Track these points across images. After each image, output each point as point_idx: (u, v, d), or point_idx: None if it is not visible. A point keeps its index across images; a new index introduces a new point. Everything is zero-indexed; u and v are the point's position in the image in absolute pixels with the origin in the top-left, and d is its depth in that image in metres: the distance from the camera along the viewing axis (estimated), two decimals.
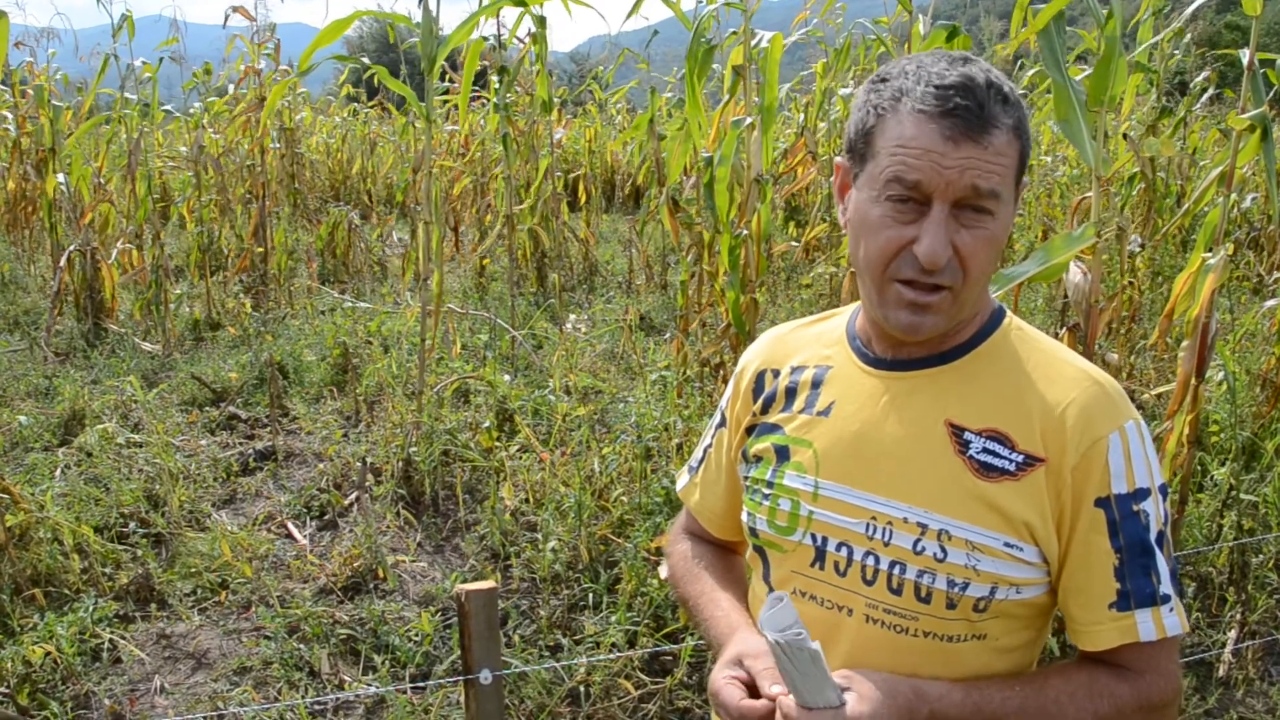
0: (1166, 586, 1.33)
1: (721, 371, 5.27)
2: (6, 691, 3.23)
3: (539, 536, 4.12)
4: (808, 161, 8.62)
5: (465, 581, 4.01)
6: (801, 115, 9.92)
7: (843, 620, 1.40)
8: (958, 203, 1.28)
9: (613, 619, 3.59)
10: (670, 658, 3.55)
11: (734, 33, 5.08)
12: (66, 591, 3.94)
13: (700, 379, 5.34)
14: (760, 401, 1.56)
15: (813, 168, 8.34)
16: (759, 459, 1.52)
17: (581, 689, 3.38)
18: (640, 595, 3.69)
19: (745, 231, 4.78)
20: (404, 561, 4.23)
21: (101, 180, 9.04)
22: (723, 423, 1.66)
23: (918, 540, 1.34)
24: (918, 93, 1.28)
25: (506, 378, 5.58)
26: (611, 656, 3.43)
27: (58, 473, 4.87)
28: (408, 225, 11.37)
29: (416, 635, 3.65)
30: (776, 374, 1.55)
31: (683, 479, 1.77)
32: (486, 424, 4.76)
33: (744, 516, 1.55)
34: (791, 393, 1.51)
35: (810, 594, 1.43)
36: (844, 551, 1.40)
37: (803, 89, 10.26)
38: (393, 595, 4.01)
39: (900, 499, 1.36)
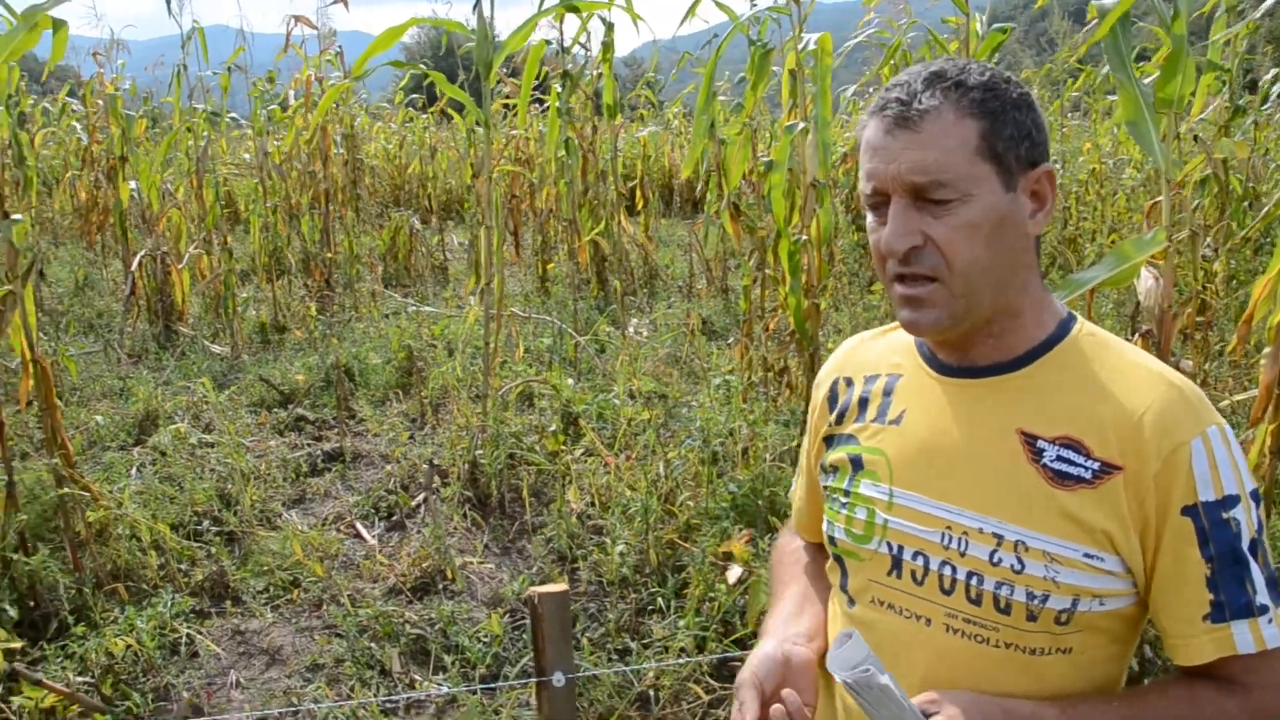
0: (1264, 596, 1.28)
1: (786, 377, 5.26)
2: (91, 681, 3.31)
3: (606, 540, 4.15)
4: None
5: (533, 584, 4.05)
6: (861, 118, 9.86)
7: (922, 629, 1.39)
8: (915, 194, 1.30)
9: (680, 623, 3.60)
10: (739, 663, 3.55)
11: (791, 36, 5.08)
12: (145, 587, 4.04)
13: (765, 384, 5.34)
14: (835, 412, 1.57)
15: None
16: (835, 469, 1.53)
17: (651, 693, 3.39)
18: (708, 600, 3.69)
19: (805, 237, 4.78)
20: (471, 563, 4.28)
21: (170, 188, 9.25)
22: (805, 431, 1.69)
23: (994, 551, 1.32)
24: (874, 102, 1.36)
25: (570, 381, 5.61)
26: (680, 661, 3.44)
27: (133, 471, 4.99)
28: (467, 230, 11.48)
29: (485, 636, 3.69)
30: (850, 384, 1.56)
31: (794, 484, 1.81)
32: (553, 428, 4.80)
33: (824, 525, 1.56)
34: (865, 403, 1.52)
35: (888, 603, 1.43)
36: (920, 560, 1.39)
37: (864, 92, 10.20)
38: (461, 596, 4.05)
39: (974, 509, 1.35)
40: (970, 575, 1.34)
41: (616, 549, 3.97)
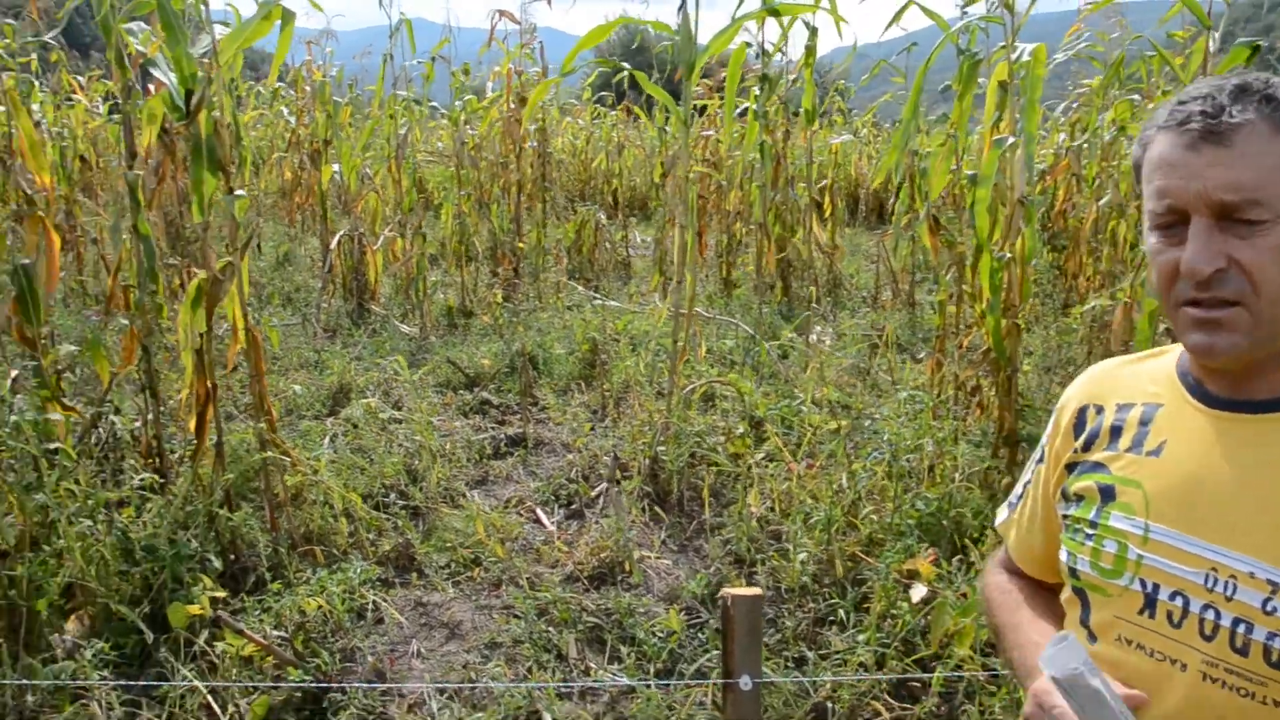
0: None
1: (977, 396, 5.10)
2: (285, 636, 3.46)
3: (786, 546, 4.10)
4: (1070, 184, 8.25)
5: (710, 584, 4.04)
6: (1063, 135, 9.51)
7: (1175, 674, 1.30)
8: (1222, 213, 1.22)
9: (860, 638, 3.52)
10: (919, 684, 3.46)
11: (1002, 46, 4.91)
12: (335, 551, 4.20)
13: (955, 402, 5.19)
14: (1082, 439, 1.48)
15: (1076, 191, 7.97)
16: (1080, 498, 1.44)
17: (828, 705, 3.33)
18: (890, 617, 3.60)
19: (1009, 255, 4.62)
20: (649, 557, 4.29)
21: (369, 172, 9.64)
22: (1042, 458, 1.59)
23: (1268, 599, 1.22)
24: (1164, 114, 1.28)
25: (752, 385, 5.58)
26: (859, 677, 3.36)
27: (327, 440, 5.20)
28: (652, 227, 11.58)
29: (662, 631, 3.69)
30: (1100, 410, 1.47)
31: (1002, 514, 1.71)
32: (740, 430, 4.78)
33: (1063, 556, 1.47)
34: (1117, 431, 1.43)
35: (1137, 642, 1.34)
36: (1179, 601, 1.29)
37: (1068, 109, 9.82)
38: (638, 590, 4.07)
39: (1246, 551, 1.24)
40: (1237, 622, 1.24)
41: (799, 556, 3.91)
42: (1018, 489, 1.67)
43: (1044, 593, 1.64)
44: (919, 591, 3.58)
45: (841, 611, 3.73)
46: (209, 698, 3.04)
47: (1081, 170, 8.13)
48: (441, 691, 3.36)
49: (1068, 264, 8.32)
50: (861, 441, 4.83)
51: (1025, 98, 4.51)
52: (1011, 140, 4.62)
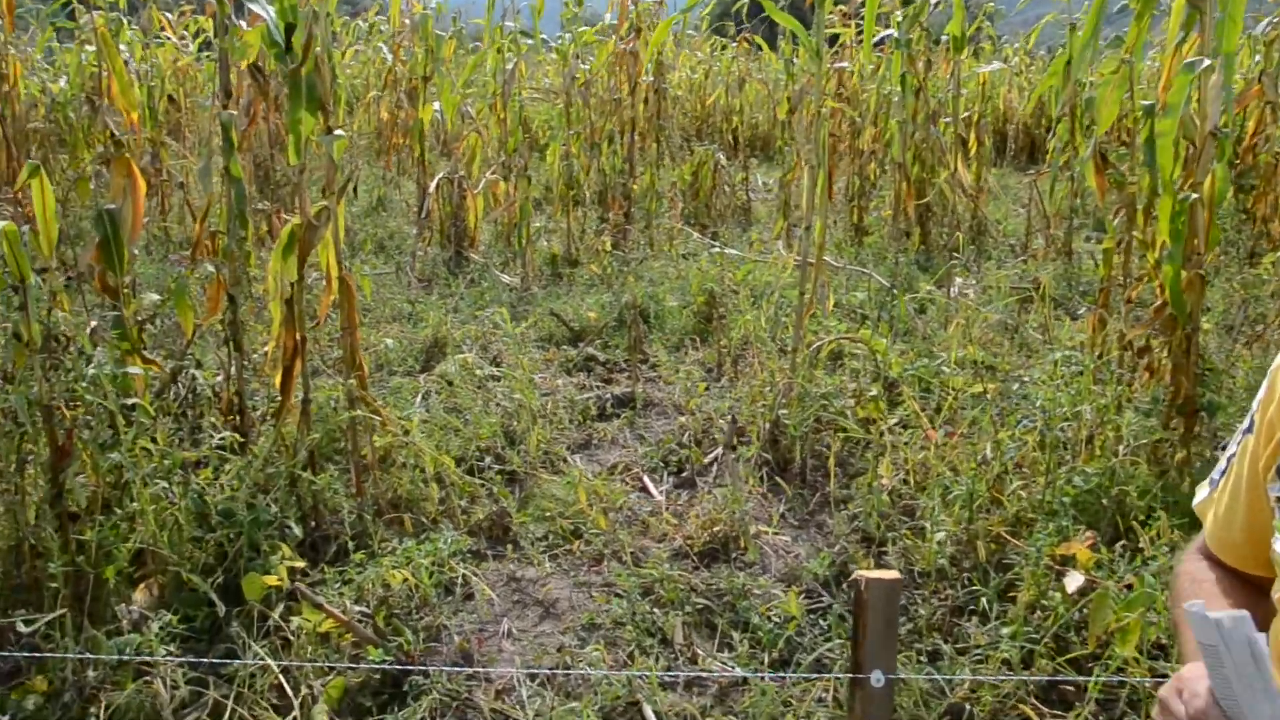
0: None
1: (1146, 358, 4.81)
2: (367, 612, 3.42)
3: (921, 524, 3.93)
4: (1262, 113, 7.74)
5: (834, 564, 3.89)
6: (1257, 56, 8.92)
7: None
8: None
9: (1005, 631, 3.34)
10: (1073, 688, 3.26)
11: None
12: (424, 520, 4.17)
13: (1119, 364, 4.90)
14: None
15: (1271, 122, 7.48)
16: None
17: (965, 707, 3.16)
18: (1040, 608, 3.40)
19: (1194, 196, 4.30)
20: (766, 533, 4.17)
21: (470, 110, 9.61)
22: (1251, 428, 1.41)
23: None
24: None
25: (885, 342, 5.39)
26: (1003, 677, 3.18)
27: (419, 399, 5.19)
28: (775, 168, 11.35)
29: (779, 616, 3.57)
30: None
31: (1201, 492, 1.54)
32: (872, 393, 4.60)
33: (1276, 545, 1.29)
34: None
35: None
36: None
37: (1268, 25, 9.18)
38: (753, 569, 3.95)
39: None
40: None
41: (935, 535, 3.73)
42: (1220, 464, 1.50)
43: (1246, 587, 1.47)
44: (1074, 580, 3.36)
45: (983, 600, 3.53)
46: (280, 678, 3.02)
47: (1278, 98, 7.62)
48: (533, 677, 3.29)
49: (1256, 206, 7.84)
50: (1009, 407, 4.61)
51: (1225, 12, 4.17)
52: (1207, 63, 4.29)
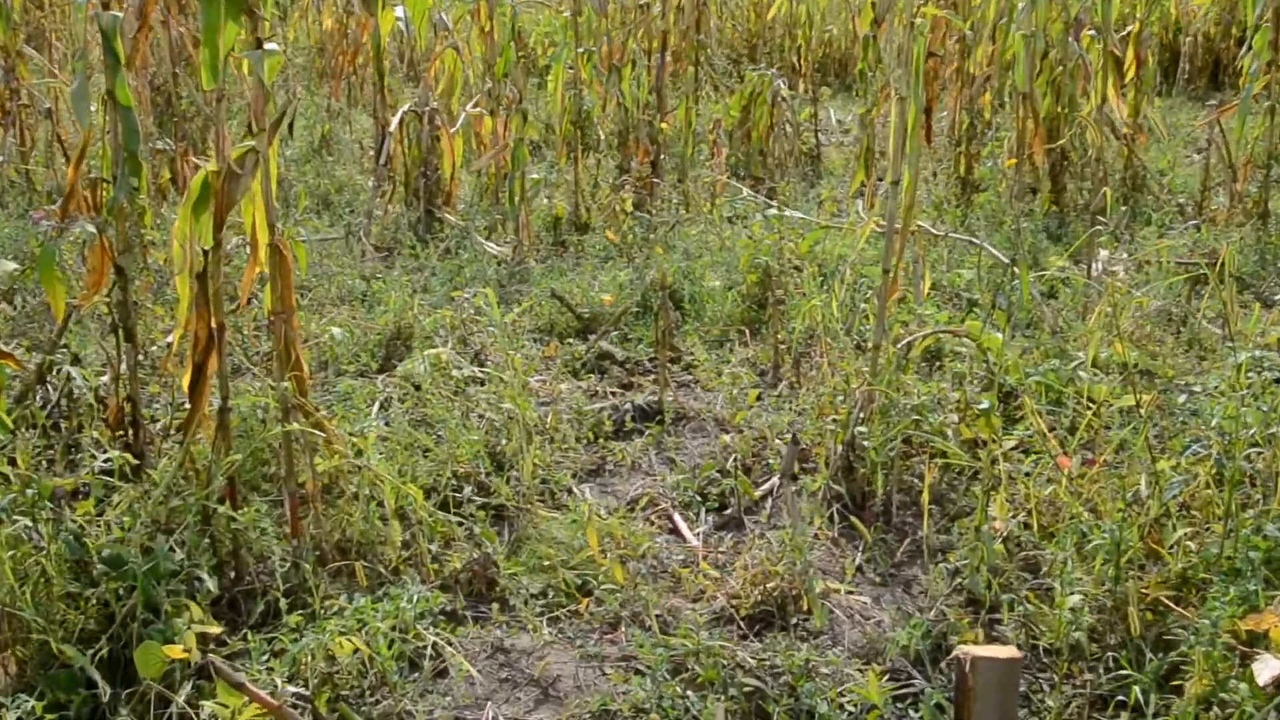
0: None
1: None
2: (304, 694, 3.46)
3: (1049, 583, 3.95)
4: None
5: (926, 635, 3.90)
6: None
7: None
8: None
9: None
10: None
11: None
12: (382, 570, 4.22)
13: None
14: None
15: None
16: None
17: None
18: (1218, 705, 3.40)
19: None
20: (837, 590, 4.20)
21: (445, 19, 9.63)
22: None
23: None
24: None
25: (1001, 337, 5.41)
26: None
27: (375, 408, 5.23)
28: (854, 101, 11.38)
29: (856, 705, 3.59)
30: None
31: None
32: (984, 405, 4.62)
33: None
34: None
35: None
36: None
37: None
38: (819, 639, 3.97)
39: None
40: None
41: (1069, 599, 3.74)
42: None
43: None
44: (1268, 668, 3.37)
45: (1136, 690, 3.55)
46: None
47: None
48: None
49: None
50: (1172, 427, 4.63)
51: None
52: None
